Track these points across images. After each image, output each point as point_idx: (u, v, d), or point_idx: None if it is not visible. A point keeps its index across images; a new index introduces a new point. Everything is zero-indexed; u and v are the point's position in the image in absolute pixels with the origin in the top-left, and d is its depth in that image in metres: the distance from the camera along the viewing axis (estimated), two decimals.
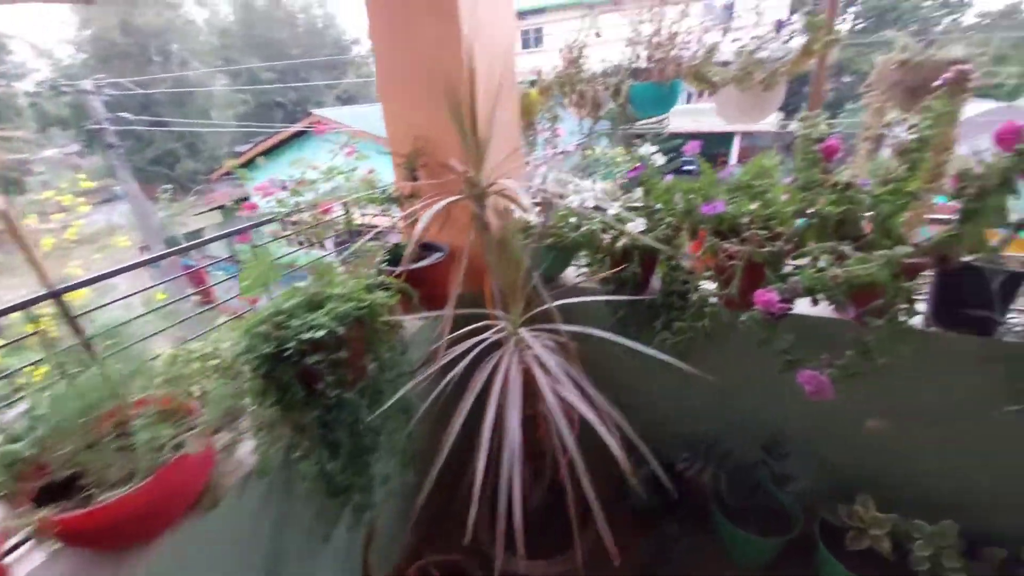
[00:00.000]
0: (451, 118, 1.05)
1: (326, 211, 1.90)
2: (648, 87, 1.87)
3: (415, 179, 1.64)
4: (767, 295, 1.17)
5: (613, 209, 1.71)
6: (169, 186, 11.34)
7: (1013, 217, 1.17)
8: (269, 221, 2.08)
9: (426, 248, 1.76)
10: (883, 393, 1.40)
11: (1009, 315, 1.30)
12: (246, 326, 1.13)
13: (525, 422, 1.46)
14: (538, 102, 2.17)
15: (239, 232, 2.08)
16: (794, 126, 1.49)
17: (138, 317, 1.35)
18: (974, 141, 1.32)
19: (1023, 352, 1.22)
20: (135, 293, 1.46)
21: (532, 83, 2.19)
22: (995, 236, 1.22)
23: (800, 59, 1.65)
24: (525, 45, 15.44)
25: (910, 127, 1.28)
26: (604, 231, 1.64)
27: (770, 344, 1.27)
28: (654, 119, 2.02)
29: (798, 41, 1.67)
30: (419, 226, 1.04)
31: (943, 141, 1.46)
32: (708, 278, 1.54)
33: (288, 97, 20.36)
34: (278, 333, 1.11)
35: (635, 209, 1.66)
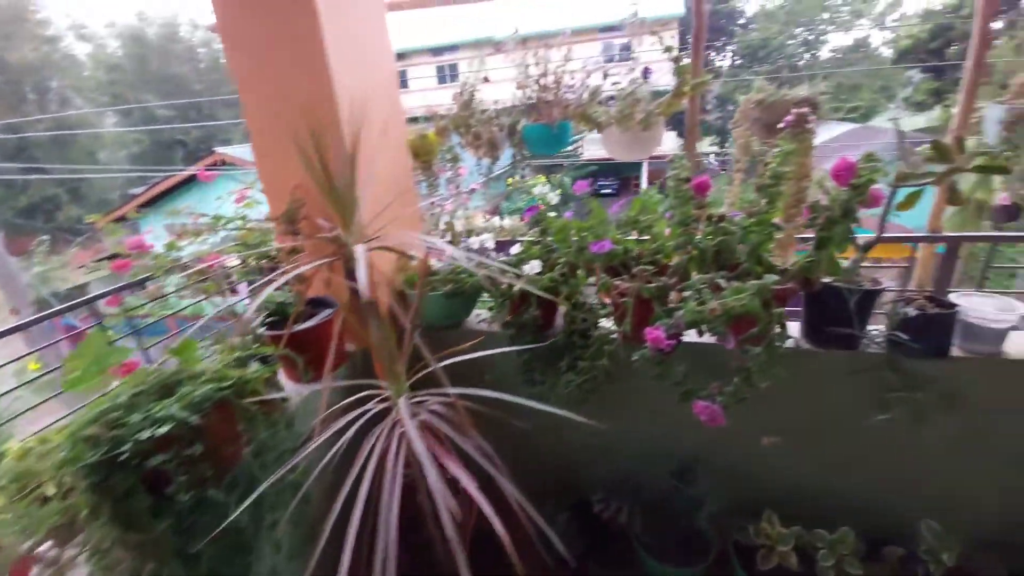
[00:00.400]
0: (308, 173, 0.97)
1: (212, 265, 1.73)
2: (539, 128, 1.90)
3: (296, 234, 1.52)
4: (654, 333, 1.19)
5: (514, 248, 1.70)
6: (46, 238, 9.99)
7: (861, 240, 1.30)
8: (147, 279, 1.87)
9: (317, 304, 1.63)
10: (774, 411, 1.46)
11: (869, 329, 1.42)
12: (70, 428, 0.94)
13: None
14: (437, 143, 2.14)
15: (107, 295, 1.84)
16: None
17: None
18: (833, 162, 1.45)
19: (881, 363, 1.33)
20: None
21: (428, 119, 2.16)
22: (848, 257, 1.34)
23: (672, 101, 1.76)
24: (442, 80, 15.73)
25: (765, 164, 1.39)
26: (503, 273, 1.61)
27: (664, 378, 1.29)
28: (570, 147, 2.06)
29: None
30: (262, 296, 0.93)
31: (800, 171, 1.61)
32: (607, 315, 1.55)
33: (191, 135, 19.02)
34: (112, 434, 0.93)
35: (536, 244, 1.65)
